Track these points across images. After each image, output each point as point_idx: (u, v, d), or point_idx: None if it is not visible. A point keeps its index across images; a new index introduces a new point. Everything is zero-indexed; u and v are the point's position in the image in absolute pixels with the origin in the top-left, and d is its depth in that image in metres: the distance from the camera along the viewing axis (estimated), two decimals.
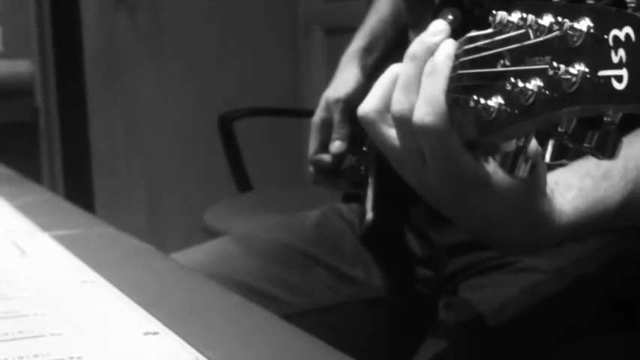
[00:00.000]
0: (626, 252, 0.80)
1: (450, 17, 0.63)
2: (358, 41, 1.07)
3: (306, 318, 0.94)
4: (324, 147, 1.02)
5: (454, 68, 0.55)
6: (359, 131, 0.98)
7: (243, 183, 2.20)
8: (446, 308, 0.85)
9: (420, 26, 0.60)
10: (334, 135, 1.00)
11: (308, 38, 2.95)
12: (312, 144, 1.03)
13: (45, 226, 0.86)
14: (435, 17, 0.62)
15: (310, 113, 1.06)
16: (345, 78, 1.03)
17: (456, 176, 0.56)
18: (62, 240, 0.80)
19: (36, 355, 0.49)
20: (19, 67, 2.80)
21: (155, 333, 0.53)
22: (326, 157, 1.01)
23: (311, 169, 1.05)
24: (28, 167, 2.58)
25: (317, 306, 0.95)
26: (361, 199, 0.98)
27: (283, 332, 0.55)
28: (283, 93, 2.97)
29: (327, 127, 1.02)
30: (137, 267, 0.73)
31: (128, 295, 0.60)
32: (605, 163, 0.61)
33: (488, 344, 0.75)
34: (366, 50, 1.06)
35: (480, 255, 0.85)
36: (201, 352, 0.49)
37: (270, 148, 2.87)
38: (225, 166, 2.23)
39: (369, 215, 0.92)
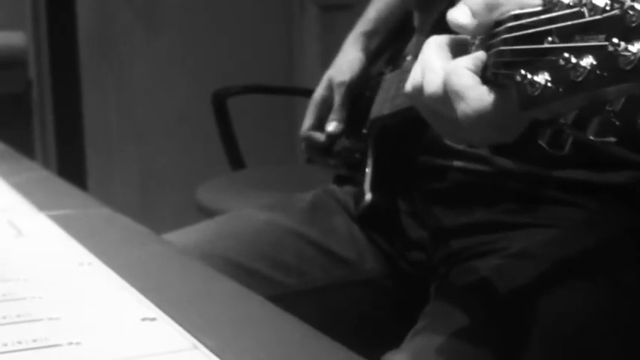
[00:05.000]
0: (619, 241, 0.81)
1: None
2: (362, 25, 1.07)
3: (298, 298, 0.94)
4: (319, 125, 1.02)
5: (493, 45, 0.55)
6: (358, 116, 0.99)
7: (236, 161, 2.20)
8: (437, 292, 0.86)
9: (429, 7, 0.60)
10: (332, 115, 1.01)
11: (303, 15, 2.94)
12: (308, 120, 1.03)
13: (40, 206, 0.86)
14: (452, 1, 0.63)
15: (305, 91, 1.06)
16: (350, 60, 1.03)
17: None
18: (58, 220, 0.80)
19: (35, 340, 0.49)
20: (13, 38, 2.79)
21: (153, 319, 0.53)
22: (319, 136, 1.02)
23: (303, 145, 1.05)
24: (21, 139, 2.58)
25: (309, 287, 0.96)
26: (355, 182, 0.99)
27: (280, 320, 0.55)
28: (277, 70, 2.96)
29: (326, 105, 1.02)
30: (133, 250, 0.73)
31: (125, 279, 0.61)
32: None
33: (479, 330, 0.76)
34: (369, 35, 1.06)
35: (472, 240, 0.86)
36: (198, 339, 0.49)
37: (264, 126, 2.87)
38: (218, 144, 2.22)
39: (368, 196, 0.93)
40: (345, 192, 1.02)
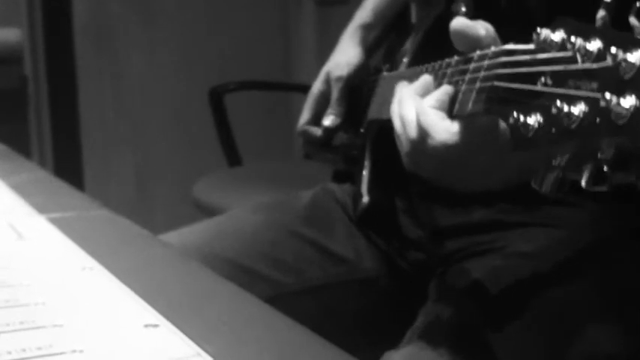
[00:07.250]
0: (614, 239, 0.82)
1: (463, 9, 0.64)
2: (360, 18, 1.07)
3: (296, 297, 0.95)
4: (316, 119, 1.02)
5: (487, 78, 0.55)
6: (356, 112, 0.99)
7: (232, 157, 2.20)
8: (435, 291, 0.87)
9: (428, 3, 0.61)
10: (330, 110, 1.00)
11: (299, 10, 2.93)
12: (305, 115, 1.03)
13: (40, 208, 0.86)
14: (449, 6, 0.63)
15: (302, 87, 1.06)
16: (348, 55, 1.02)
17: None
18: (58, 223, 0.80)
19: (39, 348, 0.49)
20: (8, 34, 2.78)
21: (155, 325, 0.53)
22: (316, 130, 1.02)
23: (301, 140, 1.05)
24: (17, 135, 2.58)
25: (307, 286, 0.96)
26: (354, 180, 0.99)
27: (283, 326, 0.55)
28: (274, 66, 2.95)
29: (324, 100, 1.02)
30: (135, 254, 0.73)
31: (127, 284, 0.61)
32: None
33: (476, 329, 0.77)
34: (367, 28, 1.05)
35: (470, 239, 0.86)
36: (201, 347, 0.49)
37: (261, 123, 2.86)
38: (215, 140, 2.22)
39: (365, 198, 0.93)
40: (343, 191, 1.02)
